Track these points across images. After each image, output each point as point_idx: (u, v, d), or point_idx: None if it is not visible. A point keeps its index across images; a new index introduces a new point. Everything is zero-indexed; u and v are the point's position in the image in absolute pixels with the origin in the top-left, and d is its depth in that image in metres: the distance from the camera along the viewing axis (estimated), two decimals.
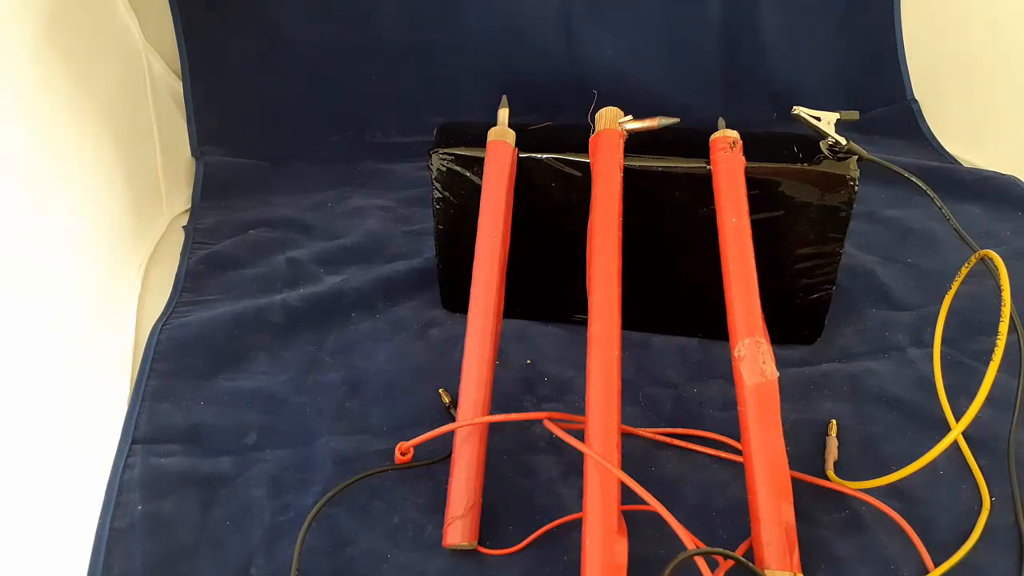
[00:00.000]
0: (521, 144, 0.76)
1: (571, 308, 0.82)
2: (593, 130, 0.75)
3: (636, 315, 0.70)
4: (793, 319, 0.79)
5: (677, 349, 0.80)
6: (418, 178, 1.12)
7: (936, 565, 0.57)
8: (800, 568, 0.54)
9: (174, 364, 0.76)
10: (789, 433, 0.60)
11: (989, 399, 0.53)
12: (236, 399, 0.73)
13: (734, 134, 0.73)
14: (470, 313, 0.67)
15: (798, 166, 0.72)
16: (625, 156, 0.72)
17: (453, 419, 0.65)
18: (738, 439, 0.61)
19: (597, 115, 0.76)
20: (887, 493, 0.63)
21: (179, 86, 1.16)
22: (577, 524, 0.58)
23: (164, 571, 0.57)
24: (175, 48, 1.15)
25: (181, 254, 0.94)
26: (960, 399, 0.72)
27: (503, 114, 0.78)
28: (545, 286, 0.82)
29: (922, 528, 0.60)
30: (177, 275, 0.90)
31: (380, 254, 0.95)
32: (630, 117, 0.74)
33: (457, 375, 0.65)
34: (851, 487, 0.63)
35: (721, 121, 0.76)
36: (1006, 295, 0.57)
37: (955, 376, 0.74)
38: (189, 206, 1.07)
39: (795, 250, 0.75)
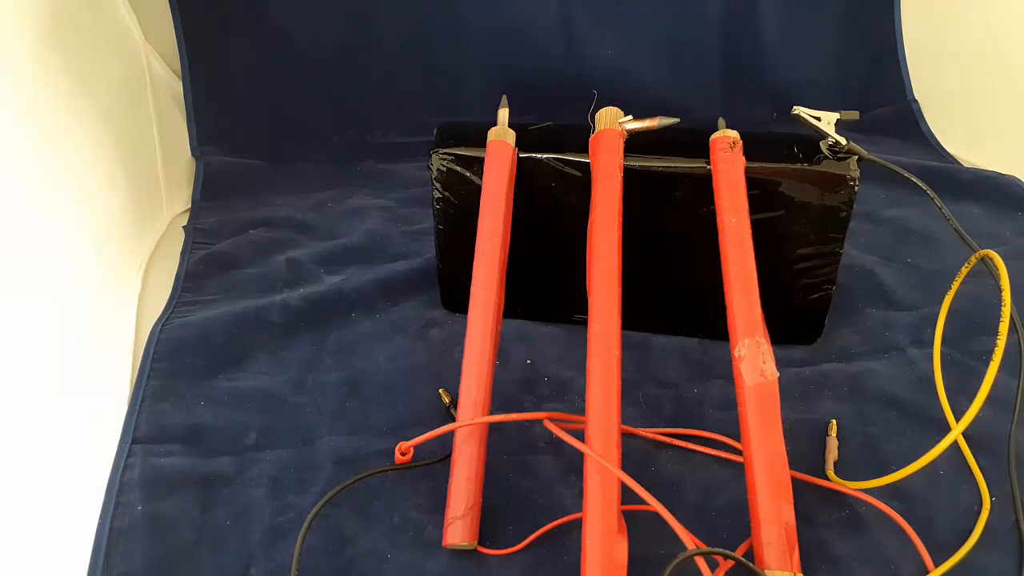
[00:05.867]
0: (521, 144, 0.76)
1: (571, 308, 0.82)
2: (593, 130, 0.75)
3: (636, 315, 0.70)
4: (793, 319, 0.79)
5: (677, 349, 0.80)
6: (418, 178, 1.12)
7: (936, 565, 0.57)
8: (800, 568, 0.54)
9: (174, 364, 0.76)
10: (789, 433, 0.60)
11: (989, 399, 0.53)
12: (236, 399, 0.73)
13: (734, 134, 0.73)
14: (470, 313, 0.67)
15: (798, 166, 0.72)
16: (625, 156, 0.72)
17: (453, 419, 0.65)
18: (738, 439, 0.61)
19: (597, 115, 0.75)
20: (887, 493, 0.63)
21: (179, 86, 1.16)
22: (577, 524, 0.58)
23: (164, 571, 0.57)
24: (175, 48, 1.15)
25: (181, 254, 0.94)
26: (960, 399, 0.71)
27: (503, 114, 0.78)
28: (545, 286, 0.82)
29: (922, 528, 0.60)
30: (177, 275, 0.90)
31: (380, 254, 0.95)
32: (630, 117, 0.74)
33: (457, 375, 0.65)
34: (851, 487, 0.63)
35: (721, 121, 0.76)
36: (1006, 295, 0.57)
37: (955, 376, 0.74)
38: (189, 206, 1.07)
39: (795, 250, 0.75)
